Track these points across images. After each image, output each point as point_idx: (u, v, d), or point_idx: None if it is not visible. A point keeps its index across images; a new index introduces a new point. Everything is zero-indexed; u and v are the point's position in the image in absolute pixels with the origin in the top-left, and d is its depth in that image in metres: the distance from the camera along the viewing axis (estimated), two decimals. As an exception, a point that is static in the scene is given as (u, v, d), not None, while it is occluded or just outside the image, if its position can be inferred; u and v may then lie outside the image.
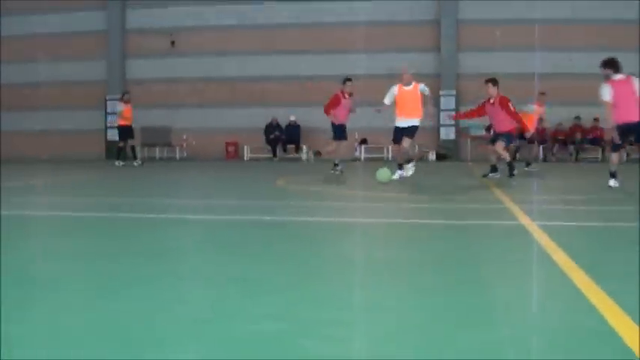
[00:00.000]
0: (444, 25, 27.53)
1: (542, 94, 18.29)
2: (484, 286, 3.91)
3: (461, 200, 9.83)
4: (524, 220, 7.01)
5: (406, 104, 13.37)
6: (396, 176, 13.15)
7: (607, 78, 11.27)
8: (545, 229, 6.22)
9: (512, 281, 4.13)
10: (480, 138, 25.24)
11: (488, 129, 23.46)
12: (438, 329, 2.99)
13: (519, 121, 13.84)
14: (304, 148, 27.29)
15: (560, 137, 26.81)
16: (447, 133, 27.42)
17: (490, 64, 24.93)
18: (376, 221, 7.45)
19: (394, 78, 13.26)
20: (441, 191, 11.46)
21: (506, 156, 13.71)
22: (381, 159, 25.71)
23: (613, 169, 11.46)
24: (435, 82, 26.05)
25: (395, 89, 13.48)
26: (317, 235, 6.26)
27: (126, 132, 21.76)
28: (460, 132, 27.28)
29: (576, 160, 25.99)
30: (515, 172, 13.64)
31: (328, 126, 16.25)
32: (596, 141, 26.28)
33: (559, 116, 26.70)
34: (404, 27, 27.62)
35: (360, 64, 26.50)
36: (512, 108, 13.58)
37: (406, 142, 13.42)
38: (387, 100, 13.51)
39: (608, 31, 26.42)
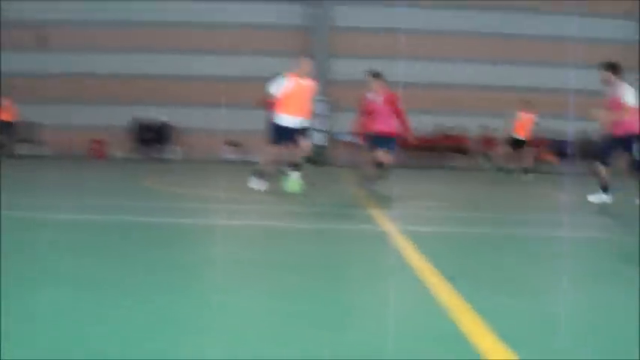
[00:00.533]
0: (317, 31, 27.78)
1: (528, 102, 19.19)
2: (340, 290, 3.99)
3: (326, 205, 9.88)
4: (387, 225, 7.18)
5: (299, 100, 11.25)
6: (254, 185, 11.23)
7: (610, 82, 10.46)
8: (407, 234, 6.38)
9: (368, 285, 4.21)
10: (350, 144, 25.56)
11: (360, 134, 23.80)
12: (292, 331, 3.02)
13: (404, 122, 12.28)
14: (175, 148, 27.03)
15: (426, 145, 27.59)
16: (318, 139, 27.63)
17: (361, 72, 25.34)
18: (241, 224, 7.44)
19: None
20: (308, 196, 11.31)
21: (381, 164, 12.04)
22: (250, 162, 25.73)
23: (604, 181, 10.32)
24: (307, 87, 26.24)
25: (288, 80, 11.22)
26: (181, 237, 6.20)
27: (8, 127, 21.63)
28: (331, 138, 27.57)
29: (441, 166, 26.70)
30: (376, 185, 12.07)
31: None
32: (462, 149, 27.18)
33: (425, 124, 27.52)
34: (275, 31, 27.68)
35: (230, 66, 26.48)
36: (400, 106, 12.15)
37: (305, 144, 11.50)
38: (273, 90, 11.24)
39: (477, 43, 27.43)
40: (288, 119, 11.29)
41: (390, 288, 4.14)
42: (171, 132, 27.55)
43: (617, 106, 10.19)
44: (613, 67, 10.45)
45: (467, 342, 2.88)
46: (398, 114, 12.07)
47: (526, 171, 19.12)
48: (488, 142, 27.11)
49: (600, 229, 7.99)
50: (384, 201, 10.64)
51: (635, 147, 10.35)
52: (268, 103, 12.48)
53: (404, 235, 6.33)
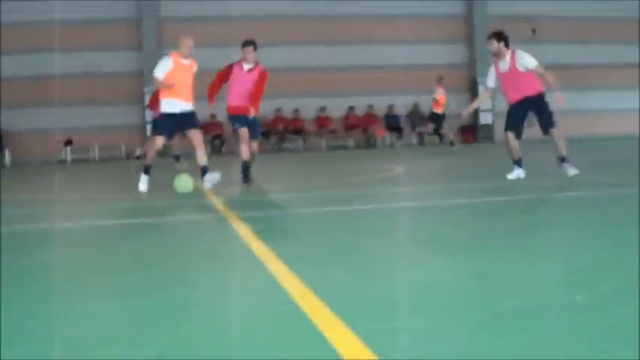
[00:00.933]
0: (145, 24, 27.20)
1: (441, 77, 20.44)
2: (180, 282, 4.01)
3: (160, 196, 9.57)
4: (227, 212, 7.22)
5: (183, 83, 9.91)
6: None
7: (502, 54, 9.75)
8: (247, 219, 6.45)
9: (208, 274, 4.25)
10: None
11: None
12: (135, 328, 3.03)
13: (258, 102, 11.13)
14: (6, 152, 25.80)
15: (265, 130, 27.78)
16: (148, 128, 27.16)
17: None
18: (76, 225, 7.20)
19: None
20: (140, 190, 10.60)
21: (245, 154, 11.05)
22: (89, 160, 25.12)
23: (517, 156, 9.75)
24: (137, 79, 25.78)
25: (169, 62, 9.94)
26: (11, 244, 5.93)
27: None
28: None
29: (279, 149, 26.86)
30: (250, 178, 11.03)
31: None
32: (298, 131, 27.47)
33: (261, 109, 27.58)
34: (103, 25, 26.81)
35: (58, 63, 25.53)
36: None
37: (196, 135, 10.08)
38: (158, 73, 9.89)
39: (306, 26, 27.72)
40: (173, 104, 9.96)
41: (230, 274, 4.20)
42: (1, 135, 26.14)
43: (519, 77, 9.58)
44: (505, 38, 9.70)
45: (305, 320, 2.97)
46: (259, 93, 11.02)
47: (452, 144, 20.62)
48: (322, 122, 27.54)
49: (440, 197, 8.30)
50: (223, 188, 10.54)
51: (547, 105, 9.59)
52: (155, 99, 11.53)
53: (243, 220, 6.40)
